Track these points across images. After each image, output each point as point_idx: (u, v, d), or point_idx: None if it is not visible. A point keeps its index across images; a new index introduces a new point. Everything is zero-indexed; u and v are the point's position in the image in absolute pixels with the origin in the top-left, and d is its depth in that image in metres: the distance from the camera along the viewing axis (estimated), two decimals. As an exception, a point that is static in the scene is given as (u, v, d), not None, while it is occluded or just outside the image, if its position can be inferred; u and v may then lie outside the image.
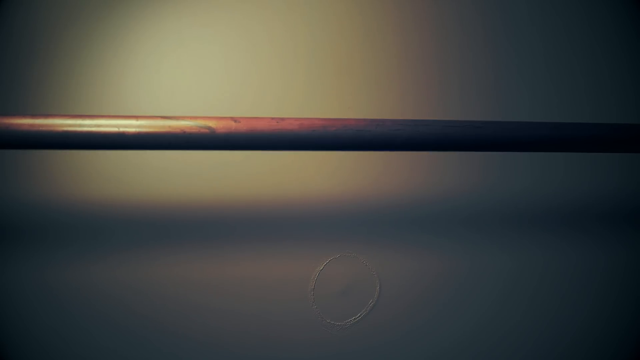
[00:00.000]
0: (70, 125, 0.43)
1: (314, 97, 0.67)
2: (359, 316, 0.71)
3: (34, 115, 0.43)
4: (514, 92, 0.72)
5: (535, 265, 0.75)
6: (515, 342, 0.75)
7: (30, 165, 0.64)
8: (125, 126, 0.44)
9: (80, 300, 0.66)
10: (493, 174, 0.72)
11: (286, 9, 0.67)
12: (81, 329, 0.66)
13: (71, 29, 0.63)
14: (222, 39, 0.66)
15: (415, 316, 0.73)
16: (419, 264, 0.72)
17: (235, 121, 0.45)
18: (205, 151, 0.44)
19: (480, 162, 0.71)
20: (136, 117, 0.44)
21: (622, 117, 0.74)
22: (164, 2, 0.64)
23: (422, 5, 0.68)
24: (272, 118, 0.46)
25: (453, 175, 0.72)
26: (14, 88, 0.62)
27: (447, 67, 0.69)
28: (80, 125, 0.43)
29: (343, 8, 0.68)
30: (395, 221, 0.71)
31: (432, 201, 0.72)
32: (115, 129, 0.44)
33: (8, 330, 0.65)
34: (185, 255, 0.67)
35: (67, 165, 0.64)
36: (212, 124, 0.44)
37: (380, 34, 0.69)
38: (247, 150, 0.46)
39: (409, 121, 0.48)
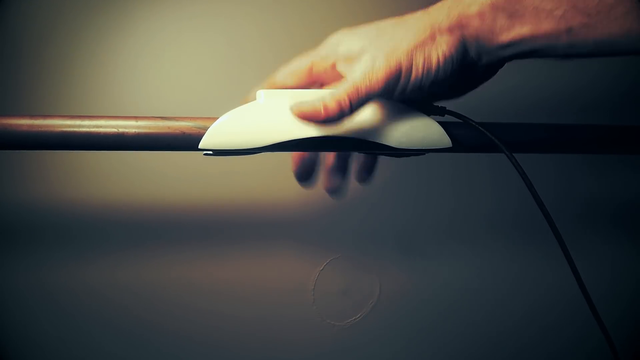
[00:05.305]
0: (69, 126, 0.43)
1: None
2: (359, 316, 0.71)
3: (32, 115, 0.43)
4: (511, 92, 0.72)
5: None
6: (516, 345, 0.75)
7: (29, 166, 0.64)
8: (125, 127, 0.43)
9: (77, 302, 0.66)
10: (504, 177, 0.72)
11: (288, 8, 0.66)
12: (81, 332, 0.66)
13: (71, 29, 0.62)
14: (223, 39, 0.65)
15: (417, 317, 0.73)
16: (422, 265, 0.72)
17: (235, 122, 0.44)
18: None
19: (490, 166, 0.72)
20: (136, 118, 0.44)
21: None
22: (164, 1, 0.64)
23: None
24: (272, 119, 0.45)
25: (459, 176, 0.72)
26: (12, 88, 0.62)
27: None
28: (79, 126, 0.43)
29: (346, 7, 0.68)
30: (399, 221, 0.71)
31: (435, 202, 0.72)
32: (114, 130, 0.43)
33: (7, 332, 0.65)
34: (185, 256, 0.67)
35: (66, 166, 0.64)
36: (211, 124, 0.43)
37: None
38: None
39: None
